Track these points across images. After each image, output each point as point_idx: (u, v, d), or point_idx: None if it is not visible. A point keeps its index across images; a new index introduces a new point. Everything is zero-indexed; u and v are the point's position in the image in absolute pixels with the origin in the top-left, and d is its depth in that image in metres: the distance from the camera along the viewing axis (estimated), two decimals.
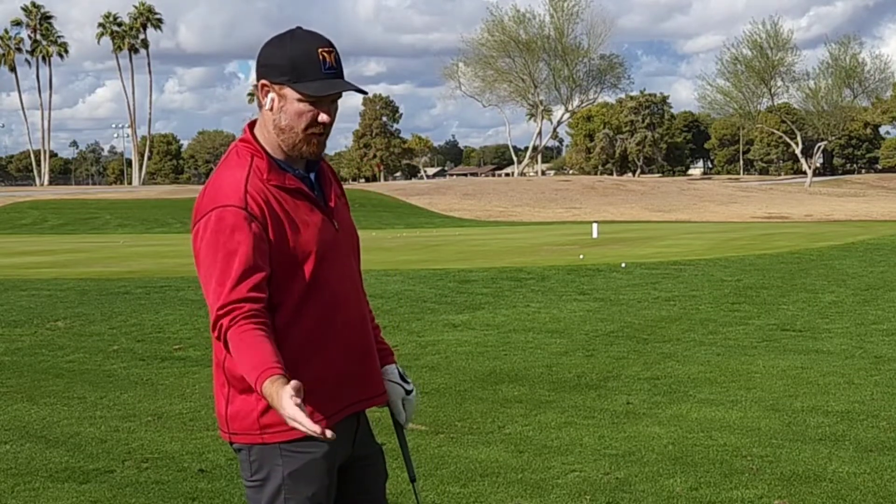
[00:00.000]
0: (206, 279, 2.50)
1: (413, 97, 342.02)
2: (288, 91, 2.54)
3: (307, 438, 2.54)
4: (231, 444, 2.68)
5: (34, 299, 13.55)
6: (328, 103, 2.59)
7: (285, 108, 2.56)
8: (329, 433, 2.29)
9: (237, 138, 2.72)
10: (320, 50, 2.54)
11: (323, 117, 2.57)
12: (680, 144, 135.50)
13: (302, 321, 2.58)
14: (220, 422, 2.69)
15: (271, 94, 2.57)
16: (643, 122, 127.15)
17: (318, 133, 2.59)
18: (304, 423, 2.27)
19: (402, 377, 2.92)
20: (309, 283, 2.59)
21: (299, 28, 2.61)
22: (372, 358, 2.80)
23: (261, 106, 2.63)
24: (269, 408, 2.53)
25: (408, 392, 2.91)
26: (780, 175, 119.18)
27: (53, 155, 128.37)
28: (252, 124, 2.69)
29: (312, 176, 2.71)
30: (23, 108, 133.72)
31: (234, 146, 2.68)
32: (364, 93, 2.65)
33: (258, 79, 2.59)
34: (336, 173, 2.84)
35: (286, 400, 2.28)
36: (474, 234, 33.11)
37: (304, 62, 2.52)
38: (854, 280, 14.68)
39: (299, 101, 2.54)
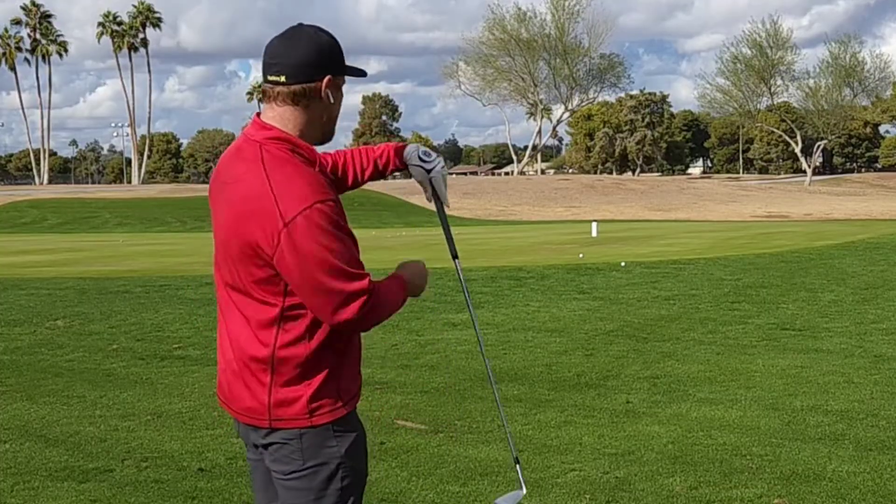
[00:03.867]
0: (326, 270, 2.45)
1: (413, 96, 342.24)
2: (341, 80, 2.64)
3: (351, 416, 2.65)
4: (272, 433, 2.64)
5: (33, 298, 13.56)
6: None
7: (337, 96, 2.64)
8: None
9: (257, 134, 2.58)
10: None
11: None
12: (680, 143, 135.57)
13: None
14: (257, 412, 2.63)
15: (330, 88, 2.59)
16: (643, 120, 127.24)
17: None
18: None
19: (420, 158, 3.00)
20: None
21: (303, 24, 2.62)
22: None
23: (296, 104, 2.55)
24: (318, 391, 2.61)
25: (428, 171, 2.98)
26: (779, 174, 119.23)
27: (53, 154, 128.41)
28: (262, 122, 2.61)
29: None
30: (22, 107, 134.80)
31: (263, 146, 2.55)
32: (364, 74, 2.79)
33: (320, 75, 2.55)
34: None
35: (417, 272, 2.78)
36: (474, 233, 33.08)
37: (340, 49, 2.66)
38: (854, 279, 14.69)
39: (342, 85, 2.66)
